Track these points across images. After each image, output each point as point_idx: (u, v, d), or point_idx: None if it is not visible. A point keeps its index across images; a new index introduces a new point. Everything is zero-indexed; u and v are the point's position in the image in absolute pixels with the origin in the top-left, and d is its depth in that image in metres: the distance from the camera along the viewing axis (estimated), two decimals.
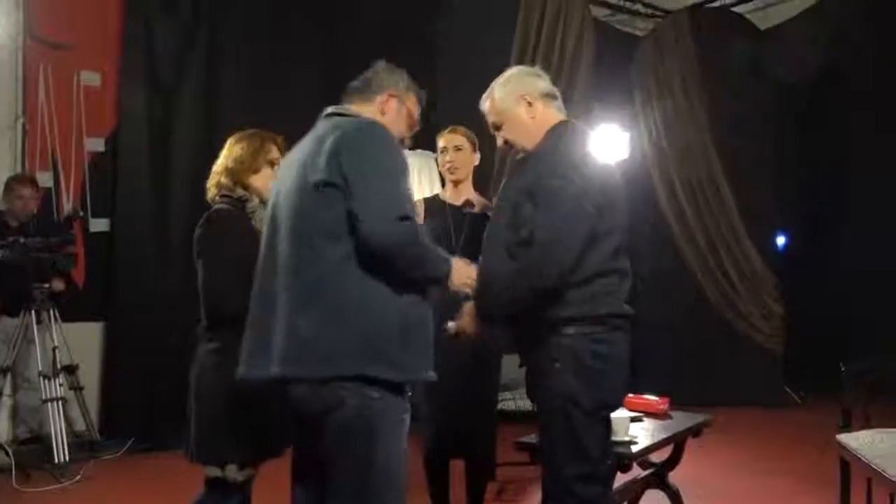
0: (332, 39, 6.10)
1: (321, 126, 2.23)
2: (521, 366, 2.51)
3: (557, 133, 2.47)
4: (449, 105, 6.39)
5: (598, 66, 6.61)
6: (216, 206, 2.63)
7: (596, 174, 2.42)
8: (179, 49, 5.54)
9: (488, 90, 2.57)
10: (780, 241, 7.43)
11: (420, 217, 3.36)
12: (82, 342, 5.00)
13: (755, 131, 6.71)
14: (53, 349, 4.57)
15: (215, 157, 2.72)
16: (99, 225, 5.33)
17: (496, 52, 6.45)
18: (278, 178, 2.29)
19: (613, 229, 2.43)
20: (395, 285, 2.05)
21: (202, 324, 2.55)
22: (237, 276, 2.44)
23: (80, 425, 4.87)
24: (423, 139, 4.76)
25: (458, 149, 3.32)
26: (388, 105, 2.32)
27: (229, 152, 2.67)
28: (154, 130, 5.42)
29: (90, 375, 5.09)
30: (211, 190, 2.66)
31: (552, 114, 2.52)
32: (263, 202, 2.66)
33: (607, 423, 2.50)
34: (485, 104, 2.56)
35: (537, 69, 2.63)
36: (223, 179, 2.63)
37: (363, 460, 2.03)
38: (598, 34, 6.66)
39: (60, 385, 4.57)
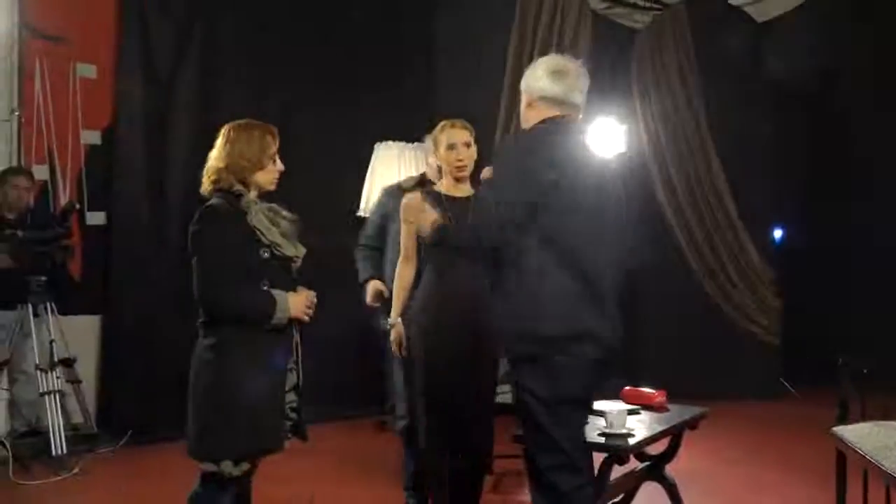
0: (329, 34, 6.10)
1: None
2: (503, 356, 2.56)
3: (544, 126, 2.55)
4: (445, 98, 6.42)
5: (596, 59, 6.59)
6: (210, 202, 2.58)
7: (572, 165, 2.48)
8: (176, 40, 5.53)
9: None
10: (778, 234, 7.44)
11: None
12: (80, 335, 5.00)
13: (754, 125, 6.71)
14: (50, 342, 4.57)
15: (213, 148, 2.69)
16: (96, 218, 5.32)
17: (493, 45, 6.45)
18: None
19: (579, 231, 2.44)
20: None
21: (200, 319, 2.55)
22: (232, 273, 2.45)
23: (77, 418, 4.88)
24: (421, 130, 4.80)
25: (468, 145, 3.25)
26: None
27: (232, 147, 2.60)
28: (151, 123, 5.41)
29: (88, 369, 5.09)
30: (207, 183, 2.61)
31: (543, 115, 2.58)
32: (262, 196, 2.67)
33: (580, 414, 2.51)
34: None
35: (566, 63, 2.66)
36: (225, 175, 2.58)
37: None
38: (596, 27, 6.65)
39: (58, 378, 4.57)
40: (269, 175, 2.64)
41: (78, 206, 5.10)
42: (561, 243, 2.41)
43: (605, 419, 3.08)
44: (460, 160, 3.24)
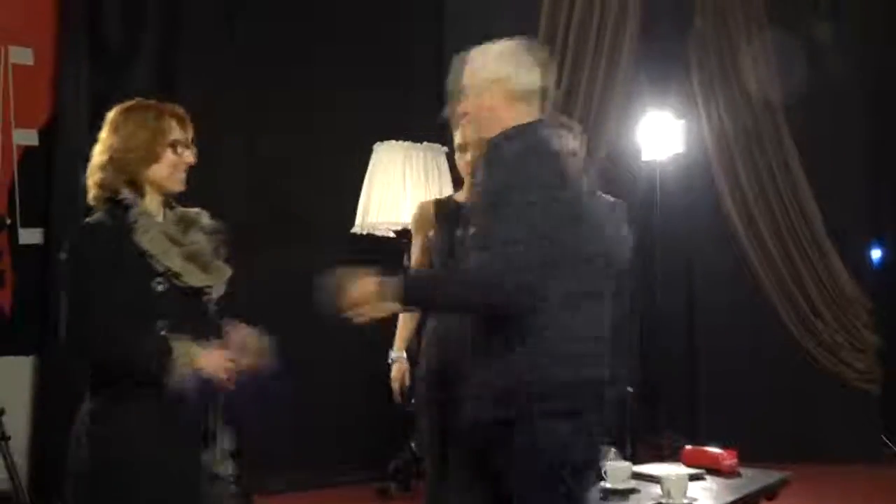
0: (312, 24, 6.13)
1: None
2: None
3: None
4: None
5: (647, 40, 6.63)
6: (88, 219, 2.45)
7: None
8: (131, 18, 5.58)
9: None
10: (876, 255, 7.39)
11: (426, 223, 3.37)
12: (8, 381, 5.01)
13: (843, 119, 6.70)
14: None
15: None
16: (30, 236, 5.35)
17: (519, 26, 6.46)
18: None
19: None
20: None
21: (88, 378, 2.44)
22: (111, 312, 2.32)
23: (4, 484, 4.88)
24: (432, 128, 4.82)
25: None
26: None
27: (113, 137, 2.48)
28: (99, 120, 5.44)
29: (18, 422, 5.10)
30: (92, 190, 2.47)
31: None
32: (169, 199, 2.51)
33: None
34: None
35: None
36: (110, 174, 2.43)
37: None
38: (647, 3, 6.67)
39: None
40: (167, 169, 2.46)
41: (9, 221, 5.13)
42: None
43: (662, 486, 3.07)
44: (470, 164, 3.28)
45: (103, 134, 2.51)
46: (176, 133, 2.51)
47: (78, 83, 5.39)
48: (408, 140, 5.46)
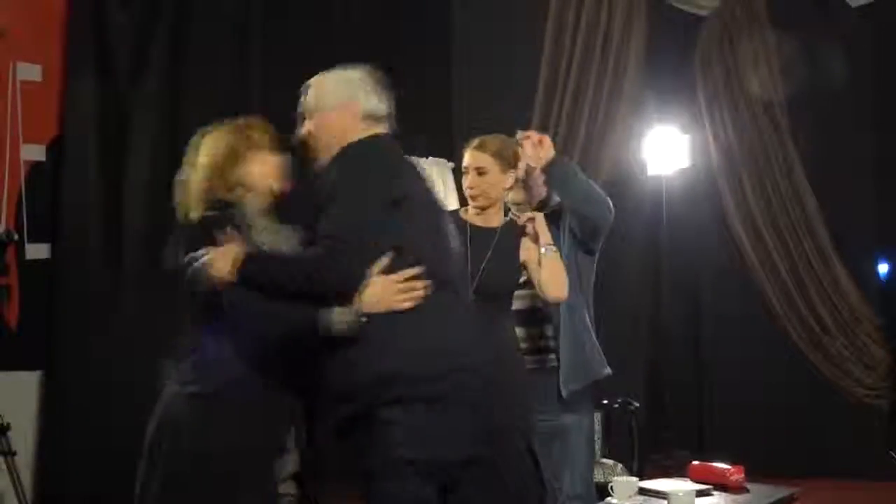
0: (324, 33, 6.15)
1: None
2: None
3: None
4: (467, 105, 6.46)
5: (652, 53, 6.64)
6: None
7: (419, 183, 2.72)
8: (139, 35, 5.60)
9: None
10: (883, 269, 7.37)
11: None
12: (15, 396, 5.01)
13: (849, 131, 6.70)
14: None
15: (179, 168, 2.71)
16: (37, 251, 5.36)
17: (524, 38, 6.49)
18: None
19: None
20: None
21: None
22: None
23: (10, 501, 4.87)
24: (438, 143, 4.82)
25: (480, 172, 3.31)
26: None
27: (202, 157, 2.67)
28: (107, 136, 5.47)
29: (23, 438, 5.10)
30: (189, 206, 2.63)
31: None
32: (272, 198, 2.68)
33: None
34: None
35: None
36: (200, 186, 2.61)
37: None
38: (652, 14, 6.69)
39: None
40: (257, 165, 2.70)
41: (16, 236, 5.14)
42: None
43: (669, 502, 3.05)
44: (469, 188, 3.31)
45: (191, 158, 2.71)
46: (256, 136, 2.77)
47: (86, 99, 5.41)
48: (413, 154, 5.46)
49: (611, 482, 3.51)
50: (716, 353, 6.69)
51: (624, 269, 6.46)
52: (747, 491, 3.51)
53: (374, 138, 2.63)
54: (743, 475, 3.60)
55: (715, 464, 3.68)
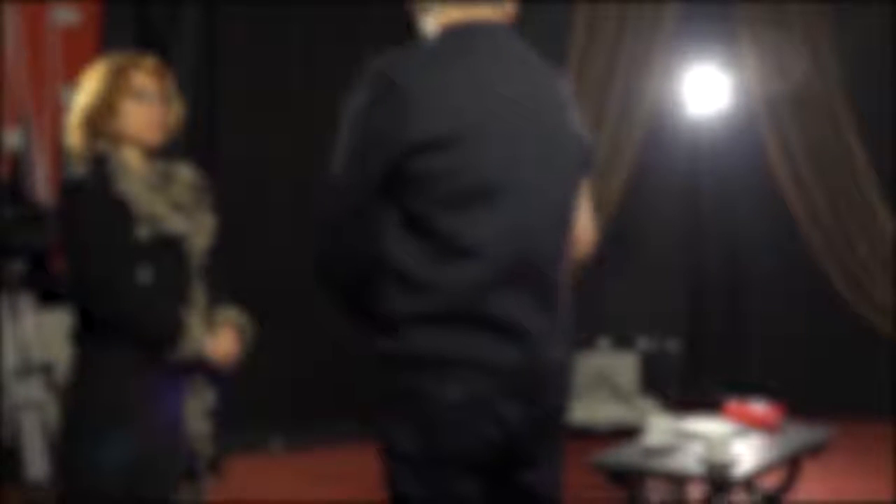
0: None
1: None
2: None
3: None
4: None
5: None
6: (69, 176, 2.52)
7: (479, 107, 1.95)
8: None
9: None
10: None
11: None
12: (57, 335, 5.08)
13: None
14: (26, 343, 4.65)
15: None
16: None
17: None
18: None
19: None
20: None
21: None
22: (107, 268, 2.36)
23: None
24: None
25: None
26: None
27: (80, 94, 2.51)
28: None
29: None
30: (73, 150, 2.51)
31: None
32: (149, 152, 2.50)
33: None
34: None
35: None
36: (79, 133, 2.48)
37: None
38: None
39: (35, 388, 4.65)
40: (133, 121, 2.46)
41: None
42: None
43: (704, 443, 3.05)
44: None
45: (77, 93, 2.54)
46: (138, 80, 2.50)
47: (124, 42, 5.41)
48: None
49: (647, 421, 3.51)
50: (757, 295, 6.64)
51: (663, 210, 6.44)
52: (784, 431, 3.50)
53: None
54: (780, 415, 3.59)
55: (752, 403, 3.67)
